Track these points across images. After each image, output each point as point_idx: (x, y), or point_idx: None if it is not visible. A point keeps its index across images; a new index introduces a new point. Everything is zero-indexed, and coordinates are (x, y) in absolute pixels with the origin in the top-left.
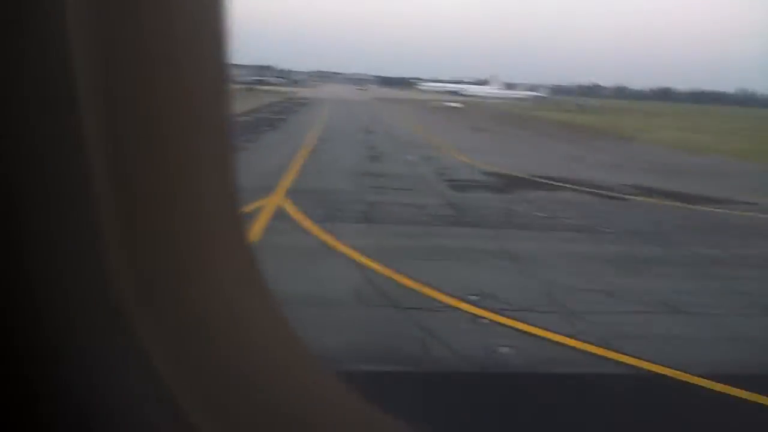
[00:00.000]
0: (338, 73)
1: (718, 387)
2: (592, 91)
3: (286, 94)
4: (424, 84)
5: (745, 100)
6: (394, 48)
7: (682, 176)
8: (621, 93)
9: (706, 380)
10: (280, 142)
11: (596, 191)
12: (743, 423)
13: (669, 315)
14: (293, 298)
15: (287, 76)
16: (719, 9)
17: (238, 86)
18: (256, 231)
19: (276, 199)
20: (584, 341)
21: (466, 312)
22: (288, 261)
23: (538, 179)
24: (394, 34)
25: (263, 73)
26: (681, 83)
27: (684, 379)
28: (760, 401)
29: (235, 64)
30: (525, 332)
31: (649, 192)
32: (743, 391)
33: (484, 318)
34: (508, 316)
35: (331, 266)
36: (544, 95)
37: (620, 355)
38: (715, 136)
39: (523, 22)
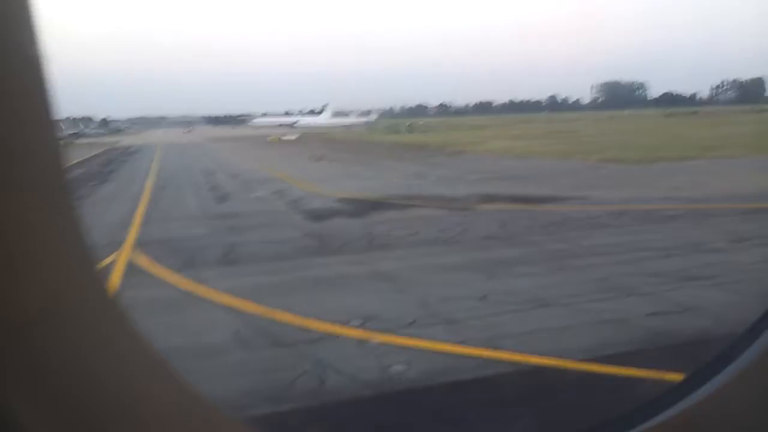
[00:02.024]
0: (163, 117)
1: (592, 367)
2: (418, 111)
3: (109, 145)
4: (256, 120)
5: (555, 107)
6: (220, 86)
7: (517, 181)
8: (445, 111)
9: (581, 363)
10: (114, 194)
11: (445, 204)
12: (612, 396)
13: (539, 309)
14: (173, 351)
15: (108, 126)
16: (528, 21)
17: None
18: (111, 289)
19: (126, 253)
20: (470, 346)
21: (353, 337)
22: (154, 315)
23: (388, 200)
24: (217, 71)
25: (80, 125)
26: (498, 96)
27: (560, 365)
28: (627, 374)
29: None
30: (413, 347)
31: (492, 199)
32: (613, 367)
33: (372, 340)
34: (394, 334)
35: (201, 314)
36: (375, 119)
37: (504, 353)
38: (536, 141)
39: (354, 50)
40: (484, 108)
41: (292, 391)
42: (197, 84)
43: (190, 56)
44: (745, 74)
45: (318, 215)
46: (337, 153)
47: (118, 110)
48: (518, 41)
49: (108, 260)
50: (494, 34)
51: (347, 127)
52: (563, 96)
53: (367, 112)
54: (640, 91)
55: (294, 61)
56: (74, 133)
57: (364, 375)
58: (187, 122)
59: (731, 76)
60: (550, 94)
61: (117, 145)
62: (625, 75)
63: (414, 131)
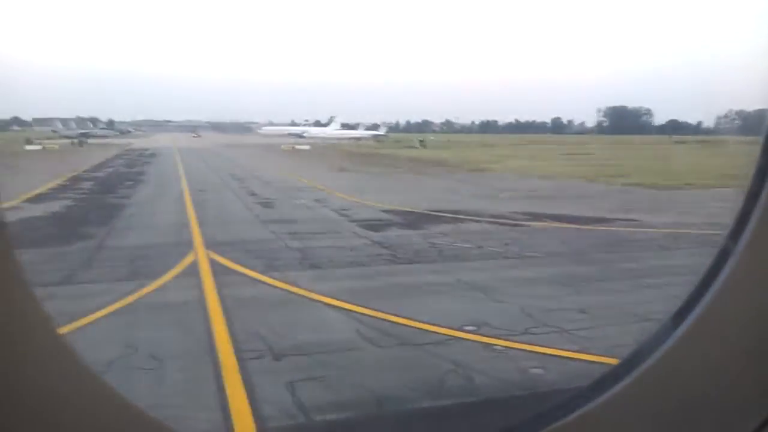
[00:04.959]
0: (168, 121)
1: None
2: (423, 127)
3: (122, 146)
4: (264, 128)
5: (559, 128)
6: (224, 92)
7: (552, 200)
8: (449, 127)
9: None
10: (156, 195)
11: (493, 220)
12: None
13: (643, 323)
14: (305, 347)
15: (114, 127)
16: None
17: (65, 141)
18: (209, 287)
19: (202, 253)
20: (591, 354)
21: (474, 341)
22: (267, 313)
23: (433, 213)
24: (222, 77)
25: (89, 124)
26: (502, 115)
27: None
28: None
29: (57, 118)
30: (537, 353)
31: (538, 217)
32: None
33: (495, 345)
34: (512, 340)
35: (315, 315)
36: (383, 133)
37: None
38: (553, 162)
39: (358, 61)
40: (489, 126)
41: (443, 386)
42: (201, 88)
43: (194, 60)
44: (750, 105)
45: (372, 225)
46: (356, 165)
47: (121, 112)
48: (523, 60)
49: (188, 258)
50: (499, 50)
51: (356, 140)
52: (568, 118)
53: (375, 126)
54: (647, 116)
55: (298, 70)
56: (85, 133)
57: (505, 376)
58: (191, 127)
59: (736, 106)
60: (554, 115)
61: (131, 147)
62: (629, 100)
63: (428, 147)
